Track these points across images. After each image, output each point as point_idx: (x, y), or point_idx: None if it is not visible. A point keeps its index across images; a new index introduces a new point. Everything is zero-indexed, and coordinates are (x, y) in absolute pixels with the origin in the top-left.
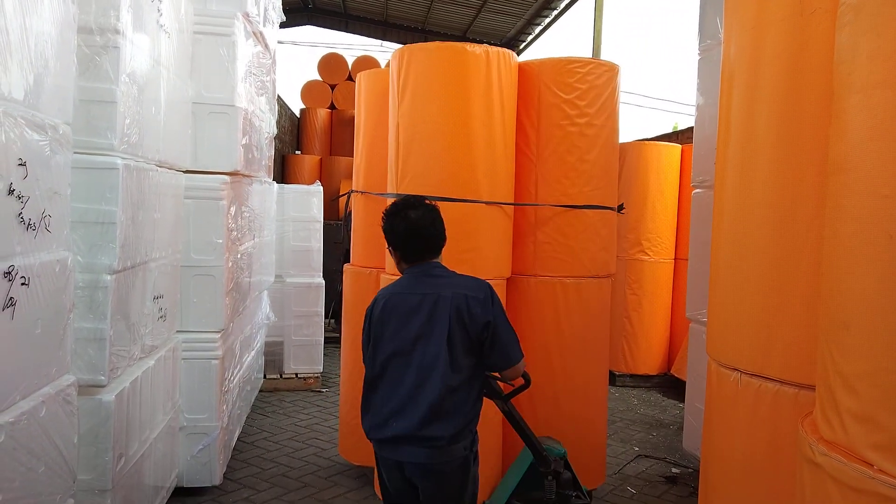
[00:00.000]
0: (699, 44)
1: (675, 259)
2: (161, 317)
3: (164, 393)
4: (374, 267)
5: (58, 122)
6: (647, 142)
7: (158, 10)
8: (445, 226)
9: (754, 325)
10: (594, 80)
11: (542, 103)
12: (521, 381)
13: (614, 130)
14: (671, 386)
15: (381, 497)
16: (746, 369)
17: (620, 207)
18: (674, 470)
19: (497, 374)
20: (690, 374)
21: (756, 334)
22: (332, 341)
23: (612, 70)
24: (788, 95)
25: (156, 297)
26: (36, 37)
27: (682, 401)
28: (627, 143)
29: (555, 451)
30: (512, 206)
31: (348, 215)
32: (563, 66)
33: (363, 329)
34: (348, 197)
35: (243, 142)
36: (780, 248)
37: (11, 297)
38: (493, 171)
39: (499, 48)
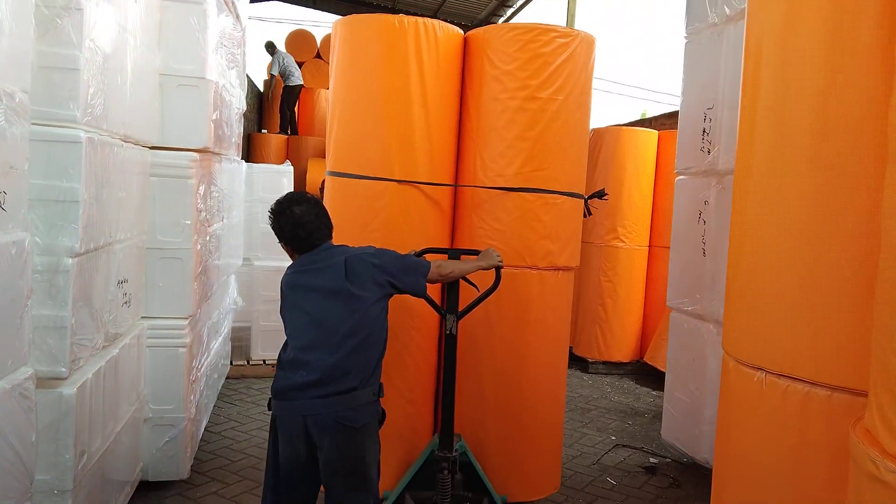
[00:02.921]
0: (686, 27)
1: (649, 246)
2: (125, 302)
3: (129, 383)
4: None
5: (14, 90)
6: (624, 127)
7: None
8: (356, 202)
9: (783, 323)
10: (539, 48)
11: (484, 75)
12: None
13: (572, 103)
14: (644, 373)
15: None
16: (772, 368)
17: (601, 194)
18: (651, 460)
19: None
20: (670, 363)
21: (785, 332)
22: None
23: (570, 37)
24: (830, 63)
25: (120, 282)
26: None
27: (656, 388)
28: (604, 128)
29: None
30: (440, 188)
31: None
32: (506, 34)
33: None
34: (323, 182)
35: (213, 117)
36: (819, 241)
37: None
38: (408, 148)
39: (424, 18)
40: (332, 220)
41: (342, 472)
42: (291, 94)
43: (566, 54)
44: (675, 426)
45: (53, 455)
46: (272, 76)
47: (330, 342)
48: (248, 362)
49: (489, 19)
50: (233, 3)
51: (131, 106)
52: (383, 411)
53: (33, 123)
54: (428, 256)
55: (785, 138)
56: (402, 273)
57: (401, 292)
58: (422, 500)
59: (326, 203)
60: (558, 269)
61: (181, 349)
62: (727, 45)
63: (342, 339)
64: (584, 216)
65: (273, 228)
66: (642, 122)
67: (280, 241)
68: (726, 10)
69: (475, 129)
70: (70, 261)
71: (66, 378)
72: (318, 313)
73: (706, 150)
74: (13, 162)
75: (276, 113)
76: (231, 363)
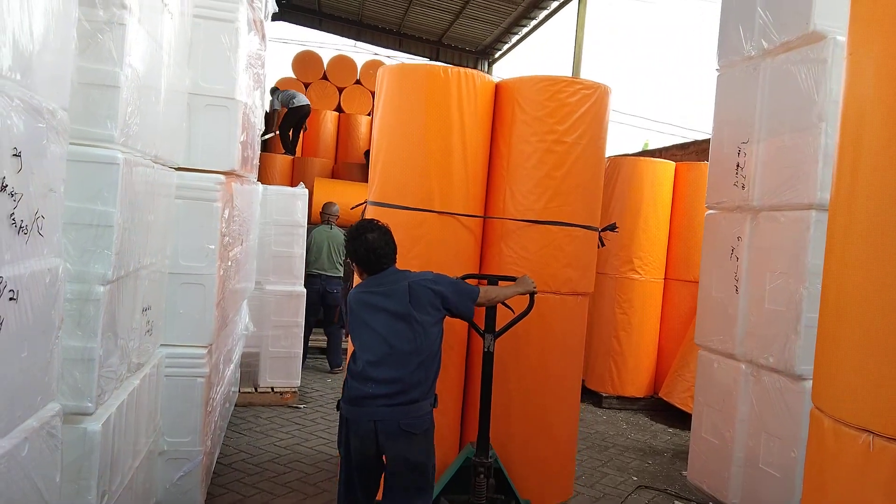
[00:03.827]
0: (719, 60)
1: (665, 278)
2: (148, 331)
3: (148, 415)
4: None
5: (55, 107)
6: (642, 157)
7: None
8: (398, 230)
9: None
10: (566, 97)
11: (515, 120)
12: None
13: (592, 147)
14: (659, 409)
15: None
16: (882, 431)
17: (613, 227)
18: (677, 502)
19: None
20: (698, 403)
21: None
22: (315, 351)
23: (592, 89)
24: None
25: (145, 310)
26: (35, 4)
27: (672, 425)
28: (621, 157)
29: (472, 453)
30: (474, 219)
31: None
32: (535, 84)
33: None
34: (364, 206)
35: (241, 139)
36: None
37: None
38: (448, 183)
39: (463, 69)
40: None
41: (403, 471)
42: (297, 114)
43: (588, 103)
44: (703, 468)
45: (74, 496)
46: (274, 110)
47: (396, 360)
48: (255, 389)
49: (494, 45)
50: (260, 21)
51: (161, 126)
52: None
53: (70, 143)
54: (468, 281)
55: None
56: (457, 298)
57: (454, 315)
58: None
59: None
60: (577, 294)
61: (199, 379)
62: (764, 79)
63: (407, 357)
64: (599, 247)
65: (348, 251)
66: (653, 153)
67: (352, 262)
68: (763, 43)
69: (506, 166)
70: (101, 289)
71: (91, 413)
72: (386, 333)
73: (740, 185)
74: (52, 184)
75: (278, 134)
76: (238, 390)
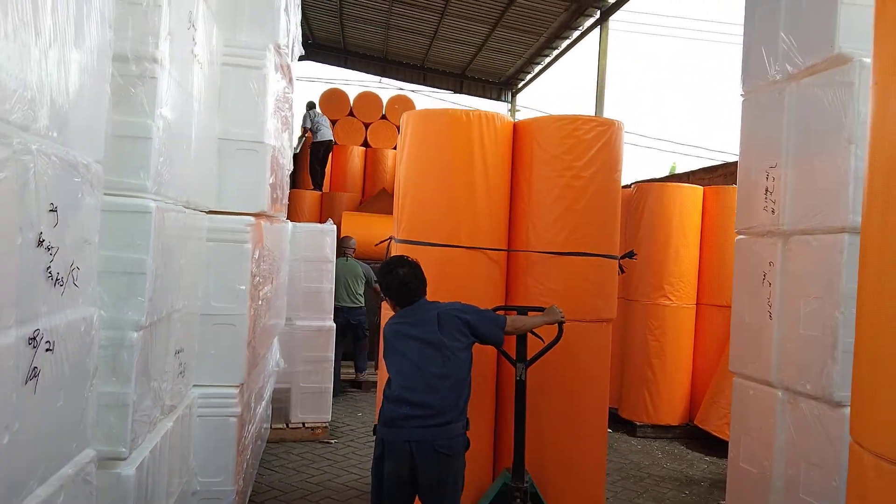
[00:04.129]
0: (743, 84)
1: (697, 304)
2: (181, 373)
3: (181, 456)
4: None
5: (89, 161)
6: (669, 183)
7: (193, 39)
8: (430, 267)
9: None
10: (582, 135)
11: (534, 158)
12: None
13: (609, 180)
14: (694, 437)
15: None
16: None
17: (631, 254)
18: None
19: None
20: (734, 432)
21: None
22: (346, 384)
23: (607, 126)
24: None
25: (177, 352)
26: (71, 64)
27: (708, 454)
28: (649, 184)
29: (508, 479)
30: (499, 252)
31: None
32: (552, 124)
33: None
34: (389, 242)
35: (270, 181)
36: None
37: (35, 367)
38: (473, 219)
39: (484, 112)
40: None
41: (436, 489)
42: (320, 149)
43: (604, 139)
44: (741, 498)
45: None
46: (304, 129)
47: (428, 384)
48: (287, 425)
49: (517, 76)
50: (288, 66)
51: (193, 172)
52: (468, 440)
53: (104, 193)
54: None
55: None
56: (484, 326)
57: (483, 342)
58: None
59: None
60: (602, 321)
61: (232, 419)
62: (791, 103)
63: (438, 382)
64: (619, 274)
65: (380, 285)
66: (679, 177)
67: (385, 296)
68: (788, 67)
69: (527, 202)
70: (135, 335)
71: (125, 458)
72: (418, 359)
73: (770, 209)
74: (87, 236)
75: (307, 168)
76: (270, 426)
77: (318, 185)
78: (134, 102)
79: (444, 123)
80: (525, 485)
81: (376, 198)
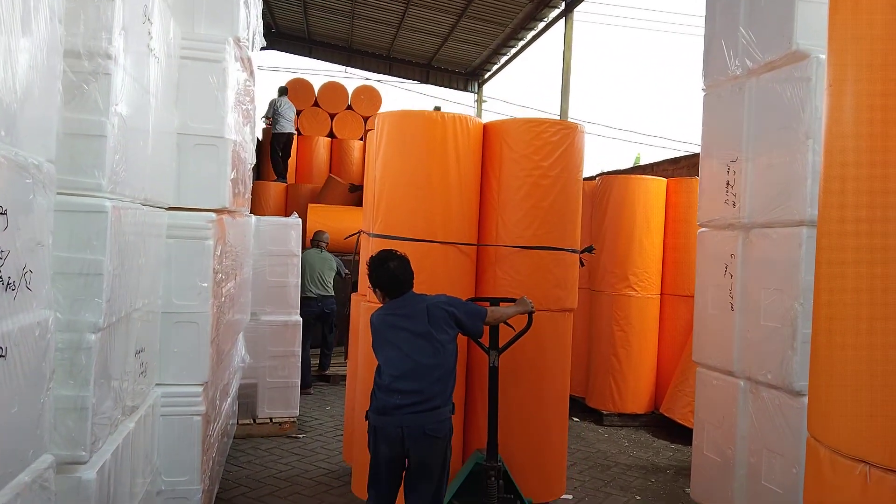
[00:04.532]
0: (704, 79)
1: (661, 294)
2: (142, 372)
3: (144, 457)
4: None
5: (41, 161)
6: (633, 175)
7: (149, 33)
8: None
9: (893, 411)
10: (549, 137)
11: (504, 158)
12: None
13: (572, 180)
14: (660, 425)
15: None
16: (880, 463)
17: (591, 249)
18: None
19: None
20: (698, 421)
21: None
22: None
23: (570, 129)
24: None
25: (138, 352)
26: (19, 61)
27: (674, 441)
28: (613, 176)
29: (481, 459)
30: (471, 246)
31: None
32: (521, 126)
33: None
34: (358, 236)
35: (231, 176)
36: None
37: None
38: (447, 216)
39: (458, 115)
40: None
41: (426, 471)
42: (280, 141)
43: (568, 142)
44: (706, 486)
45: None
46: (265, 116)
47: (419, 373)
48: (254, 421)
49: (483, 66)
50: (248, 59)
51: (151, 168)
52: (452, 426)
53: (57, 193)
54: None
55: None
56: (468, 318)
57: (465, 333)
58: None
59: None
60: (565, 310)
61: (196, 418)
62: (750, 98)
63: (428, 371)
64: (580, 267)
65: (370, 277)
66: (644, 169)
67: (374, 288)
68: (748, 62)
69: (496, 198)
70: (93, 337)
71: (86, 462)
72: (410, 350)
73: (731, 202)
74: (39, 237)
75: (268, 159)
76: (237, 422)
77: (281, 176)
78: (87, 99)
79: (420, 124)
80: (498, 464)
81: (325, 187)
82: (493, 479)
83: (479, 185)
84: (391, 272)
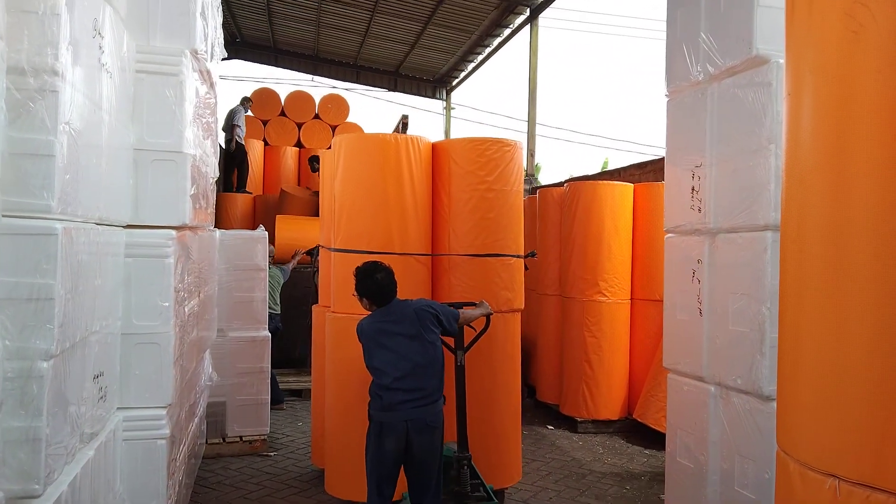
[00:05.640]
0: (667, 85)
1: (631, 299)
2: (101, 397)
3: (106, 484)
4: (349, 313)
5: None
6: (601, 182)
7: (100, 47)
8: None
9: (861, 423)
10: (492, 154)
11: (452, 174)
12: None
13: (514, 192)
14: (634, 430)
15: None
16: (849, 477)
17: (533, 254)
18: None
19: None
20: (671, 427)
21: (864, 434)
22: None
23: (510, 146)
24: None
25: (96, 377)
26: None
27: (647, 447)
28: (581, 182)
29: (449, 451)
30: (424, 256)
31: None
32: (466, 145)
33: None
34: (317, 250)
35: (191, 192)
36: None
37: None
38: (404, 229)
39: (410, 136)
40: (345, 285)
41: (427, 459)
42: (235, 158)
43: (510, 158)
44: (680, 492)
45: None
46: (234, 125)
47: (416, 372)
48: (223, 440)
49: (451, 73)
50: (208, 71)
51: (105, 186)
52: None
53: (3, 215)
54: None
55: (848, 196)
56: (447, 319)
57: (444, 333)
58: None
59: (335, 273)
60: (513, 310)
61: (161, 441)
62: (713, 103)
63: (423, 369)
64: (525, 270)
65: (358, 288)
66: (612, 174)
67: (361, 297)
68: (710, 68)
69: (447, 211)
70: (45, 364)
71: (39, 495)
72: (406, 352)
73: (696, 208)
74: None
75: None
76: (206, 441)
77: (241, 188)
78: (34, 118)
79: (375, 146)
80: (469, 454)
81: (282, 201)
82: (466, 467)
83: (431, 200)
84: (378, 283)
